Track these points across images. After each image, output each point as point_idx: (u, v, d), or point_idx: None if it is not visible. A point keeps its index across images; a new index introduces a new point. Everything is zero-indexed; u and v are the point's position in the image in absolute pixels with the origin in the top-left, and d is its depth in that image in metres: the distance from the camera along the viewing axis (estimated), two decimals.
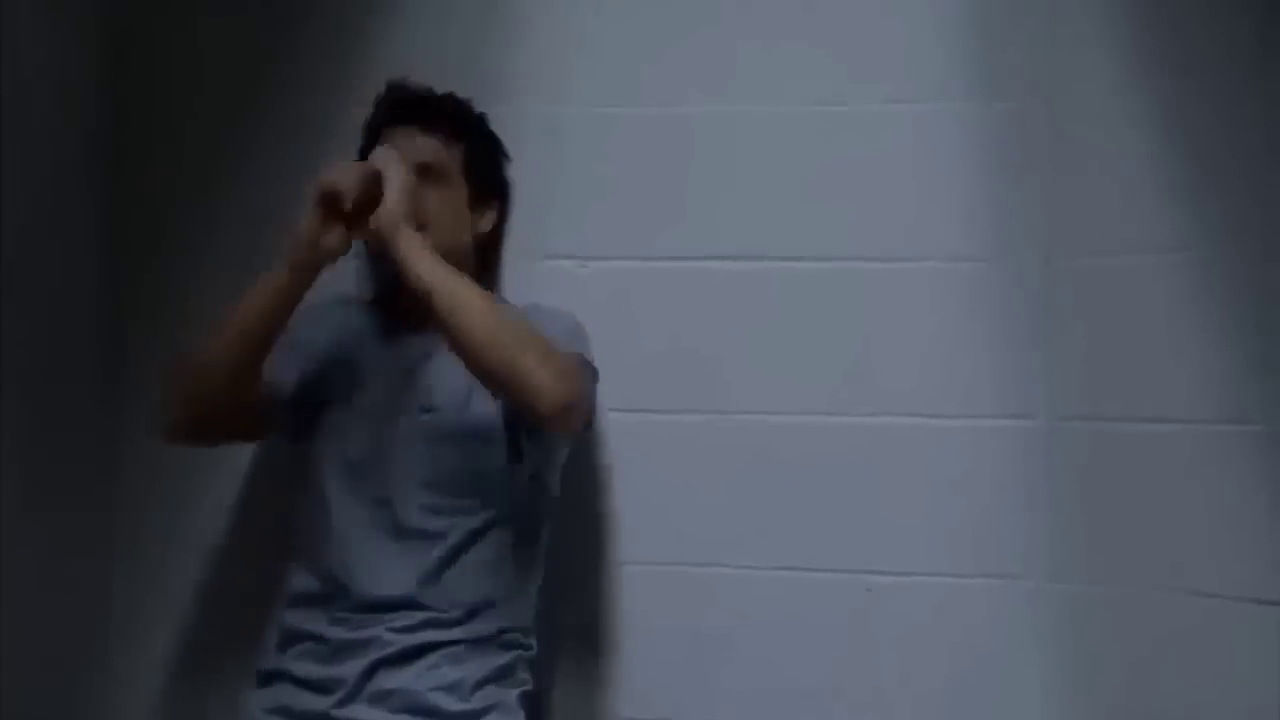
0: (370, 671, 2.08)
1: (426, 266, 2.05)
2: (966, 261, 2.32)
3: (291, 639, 2.16)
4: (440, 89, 2.30)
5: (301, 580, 2.18)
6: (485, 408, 2.15)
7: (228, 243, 2.44)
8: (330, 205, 2.07)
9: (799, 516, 2.33)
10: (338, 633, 2.12)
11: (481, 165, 2.32)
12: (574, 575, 2.35)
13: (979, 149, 2.32)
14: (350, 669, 2.09)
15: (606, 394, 2.29)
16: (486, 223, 2.33)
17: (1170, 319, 2.15)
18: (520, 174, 2.39)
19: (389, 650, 2.09)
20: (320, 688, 2.10)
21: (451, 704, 2.08)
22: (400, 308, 2.24)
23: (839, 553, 2.32)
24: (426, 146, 2.24)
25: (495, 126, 2.34)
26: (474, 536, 2.14)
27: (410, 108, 2.28)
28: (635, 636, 2.31)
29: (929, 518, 2.31)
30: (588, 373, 2.17)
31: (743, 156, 2.38)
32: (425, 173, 2.21)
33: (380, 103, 2.30)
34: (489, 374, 2.03)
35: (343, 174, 2.08)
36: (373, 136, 2.27)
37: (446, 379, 2.17)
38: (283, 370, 2.22)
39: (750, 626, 2.33)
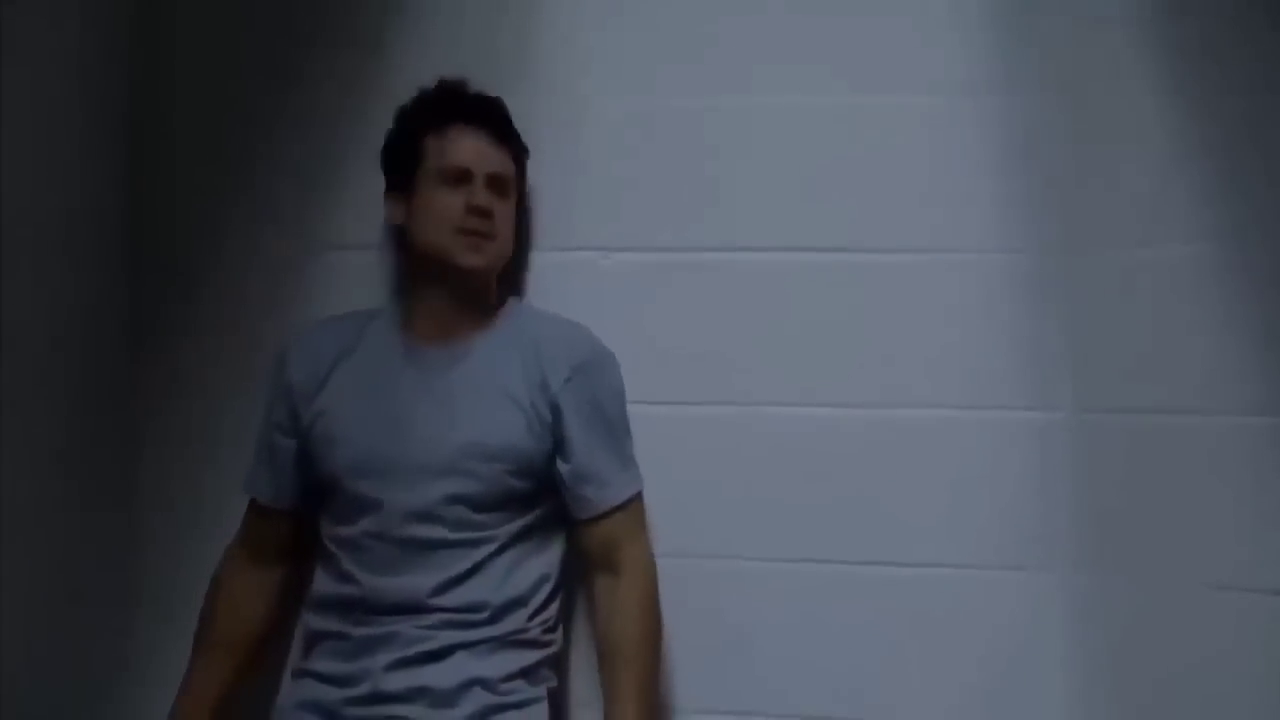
0: (394, 666, 2.09)
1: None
2: (992, 253, 2.32)
3: (316, 639, 2.18)
4: (458, 77, 2.29)
5: (325, 584, 2.19)
6: (512, 428, 2.17)
7: (244, 232, 2.44)
8: None
9: (820, 509, 2.32)
10: (360, 630, 2.13)
11: (522, 181, 2.33)
12: None
13: (1002, 142, 2.32)
14: (374, 663, 2.09)
15: (626, 386, 2.29)
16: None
17: (1196, 311, 2.14)
18: (543, 167, 2.39)
19: (412, 650, 2.10)
20: (344, 681, 2.11)
21: (478, 699, 2.08)
22: (420, 317, 2.25)
23: (860, 545, 2.31)
24: (498, 157, 2.25)
25: (518, 118, 2.33)
26: (501, 548, 2.16)
27: (481, 113, 2.26)
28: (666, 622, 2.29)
29: (952, 510, 2.30)
30: (645, 524, 2.24)
31: (763, 149, 2.38)
32: (496, 184, 2.23)
33: (434, 98, 2.27)
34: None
35: None
36: (432, 129, 2.24)
37: (473, 396, 2.18)
38: (270, 485, 2.27)
39: (770, 619, 2.32)
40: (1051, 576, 2.27)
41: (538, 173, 2.38)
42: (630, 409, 2.30)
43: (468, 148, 2.22)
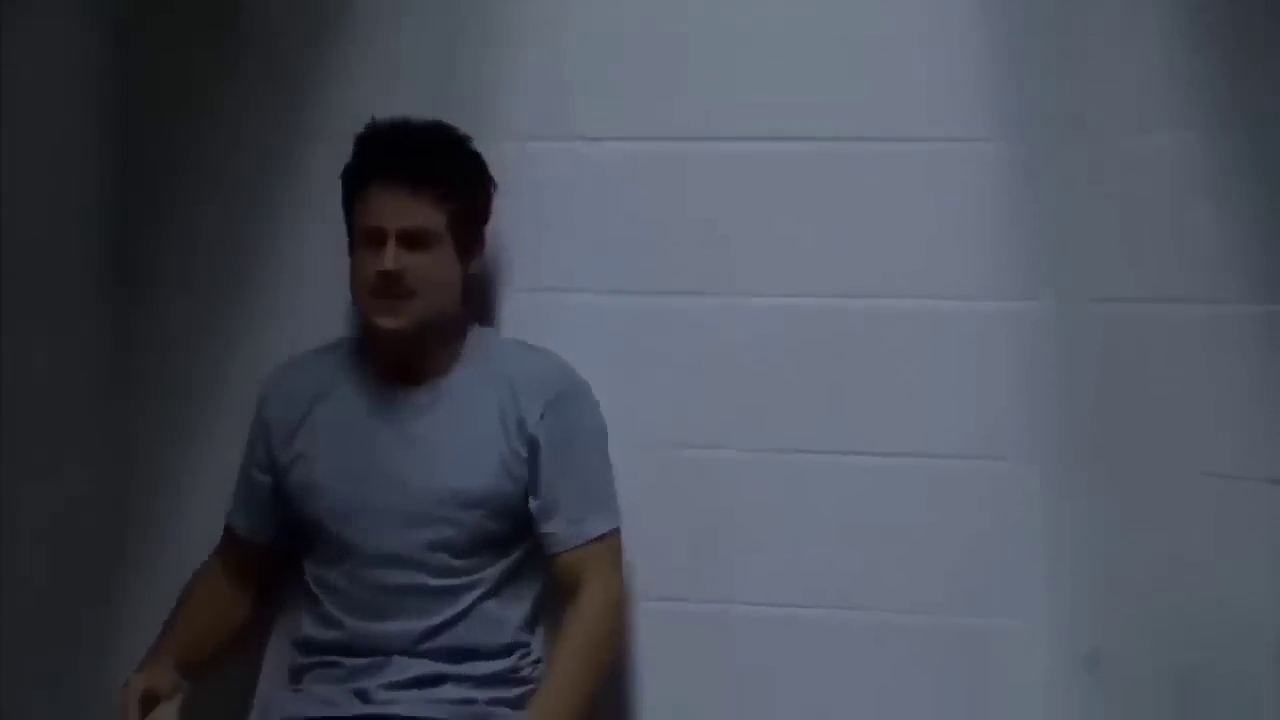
0: (389, 688, 2.15)
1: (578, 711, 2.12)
2: (973, 141, 2.27)
3: (304, 670, 2.22)
4: (390, 120, 2.21)
5: (310, 627, 2.22)
6: (489, 473, 2.18)
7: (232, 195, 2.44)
8: None
9: (800, 399, 2.31)
10: (351, 661, 2.17)
11: (468, 218, 2.23)
12: None
13: (986, 29, 2.26)
14: (368, 684, 2.15)
15: (610, 276, 2.31)
16: (475, 264, 2.27)
17: (1182, 199, 2.10)
18: (531, 55, 2.37)
19: (404, 675, 2.15)
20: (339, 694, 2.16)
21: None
22: (390, 357, 2.24)
23: (841, 435, 2.30)
24: (415, 211, 2.15)
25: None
26: (488, 593, 2.19)
27: (396, 163, 2.17)
28: (641, 516, 2.30)
29: (933, 400, 2.29)
30: (620, 562, 2.24)
31: (751, 32, 2.33)
32: (411, 239, 2.15)
33: (362, 146, 2.21)
34: None
35: None
36: (355, 189, 2.20)
37: (448, 441, 2.19)
38: (247, 518, 2.30)
39: (749, 508, 2.33)
40: (1034, 467, 2.26)
41: (526, 63, 2.36)
42: (611, 298, 2.31)
43: (377, 206, 2.16)
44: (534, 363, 2.24)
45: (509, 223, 2.34)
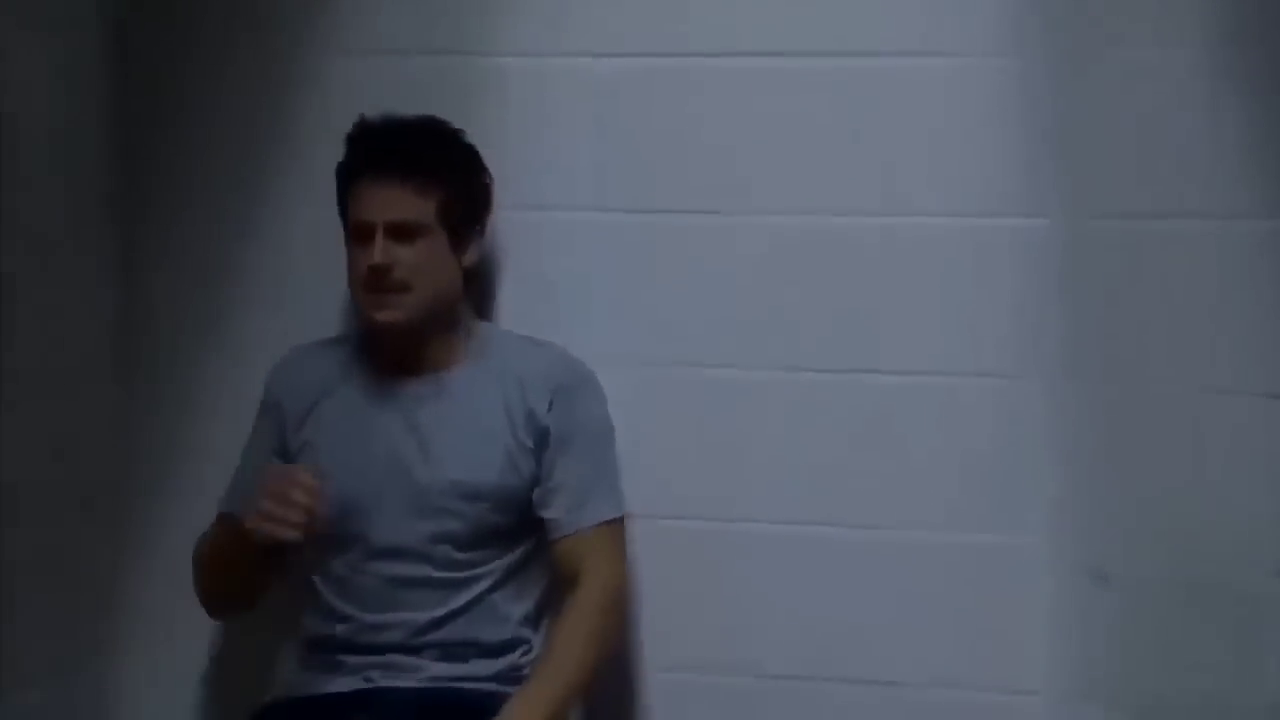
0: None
1: (561, 702, 2.09)
2: (980, 57, 2.25)
3: (307, 667, 2.23)
4: (377, 115, 2.21)
5: (315, 624, 2.23)
6: (493, 466, 2.18)
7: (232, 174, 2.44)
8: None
9: (804, 316, 2.31)
10: (353, 660, 2.18)
11: (460, 207, 2.22)
12: None
13: None
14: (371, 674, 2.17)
15: (614, 195, 2.30)
16: (473, 255, 2.26)
17: (1191, 115, 2.07)
18: None
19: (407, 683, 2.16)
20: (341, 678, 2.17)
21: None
22: (392, 350, 2.23)
23: (844, 353, 2.30)
24: (399, 202, 2.15)
25: None
26: (494, 585, 2.19)
27: (381, 154, 2.18)
28: (646, 433, 2.32)
29: (937, 317, 2.29)
30: (624, 551, 2.23)
31: None
32: (400, 231, 2.15)
33: (350, 144, 2.22)
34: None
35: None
36: (344, 186, 2.22)
37: (453, 434, 2.19)
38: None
39: (758, 424, 2.33)
40: (1039, 384, 2.26)
41: None
42: (615, 217, 2.31)
43: (365, 200, 2.17)
44: (540, 356, 2.25)
45: (513, 140, 2.33)
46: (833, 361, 2.31)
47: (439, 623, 2.17)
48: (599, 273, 2.35)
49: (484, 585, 2.18)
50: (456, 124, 2.25)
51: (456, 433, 2.19)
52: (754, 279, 2.33)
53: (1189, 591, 2.11)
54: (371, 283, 2.15)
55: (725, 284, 2.34)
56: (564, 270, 2.34)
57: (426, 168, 2.18)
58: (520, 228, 2.37)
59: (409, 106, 2.23)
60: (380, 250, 2.14)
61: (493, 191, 2.29)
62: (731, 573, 2.35)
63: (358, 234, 2.17)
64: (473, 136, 2.27)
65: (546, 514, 2.19)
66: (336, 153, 2.23)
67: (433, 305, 2.19)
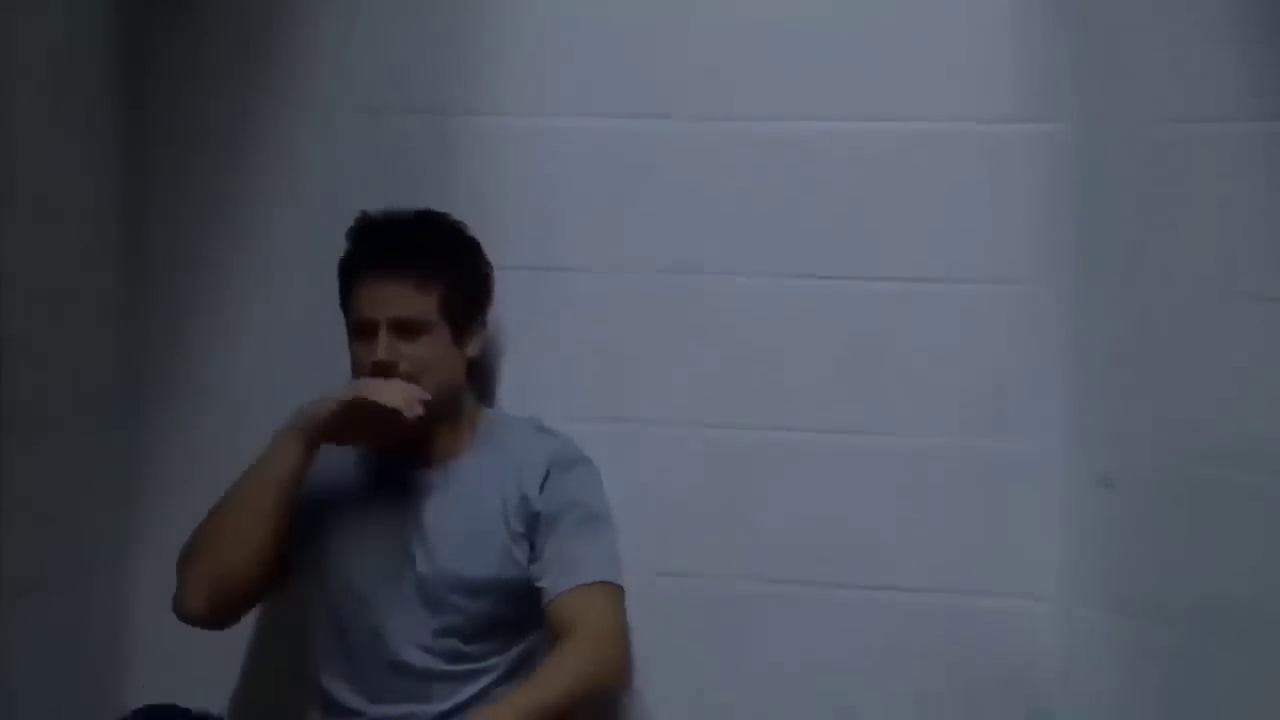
0: None
1: None
2: None
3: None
4: (377, 212, 2.24)
5: (331, 686, 2.21)
6: (495, 560, 2.19)
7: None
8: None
9: (814, 223, 2.31)
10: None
11: (461, 301, 2.24)
12: None
13: None
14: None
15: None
16: (475, 346, 2.28)
17: (1211, 16, 2.06)
18: None
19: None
20: None
21: None
22: (384, 438, 2.21)
23: (855, 259, 2.31)
24: (401, 299, 2.17)
25: None
26: (502, 677, 2.19)
27: (382, 251, 2.20)
28: (645, 344, 2.35)
29: (951, 223, 2.28)
30: (621, 615, 2.20)
31: None
32: (403, 328, 2.17)
33: (351, 240, 2.24)
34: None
35: (392, 393, 2.11)
36: (346, 282, 2.22)
37: (456, 527, 2.21)
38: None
39: (759, 332, 2.34)
40: (1052, 290, 2.26)
41: None
42: (609, 122, 2.31)
43: (368, 297, 2.19)
44: (541, 443, 2.26)
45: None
46: (844, 268, 2.31)
47: (446, 716, 2.17)
48: (589, 180, 2.36)
49: (491, 678, 2.19)
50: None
51: (456, 526, 2.21)
52: (762, 184, 2.32)
53: (1199, 495, 2.11)
54: (376, 378, 2.17)
55: (724, 187, 2.33)
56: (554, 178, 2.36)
57: (428, 264, 2.20)
58: None
59: None
60: (384, 347, 2.16)
61: (493, 281, 2.30)
62: (739, 478, 2.35)
63: (361, 330, 2.19)
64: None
65: (540, 584, 2.19)
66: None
67: (437, 398, 2.19)
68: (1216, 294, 2.10)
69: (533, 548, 2.20)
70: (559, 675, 2.10)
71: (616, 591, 2.20)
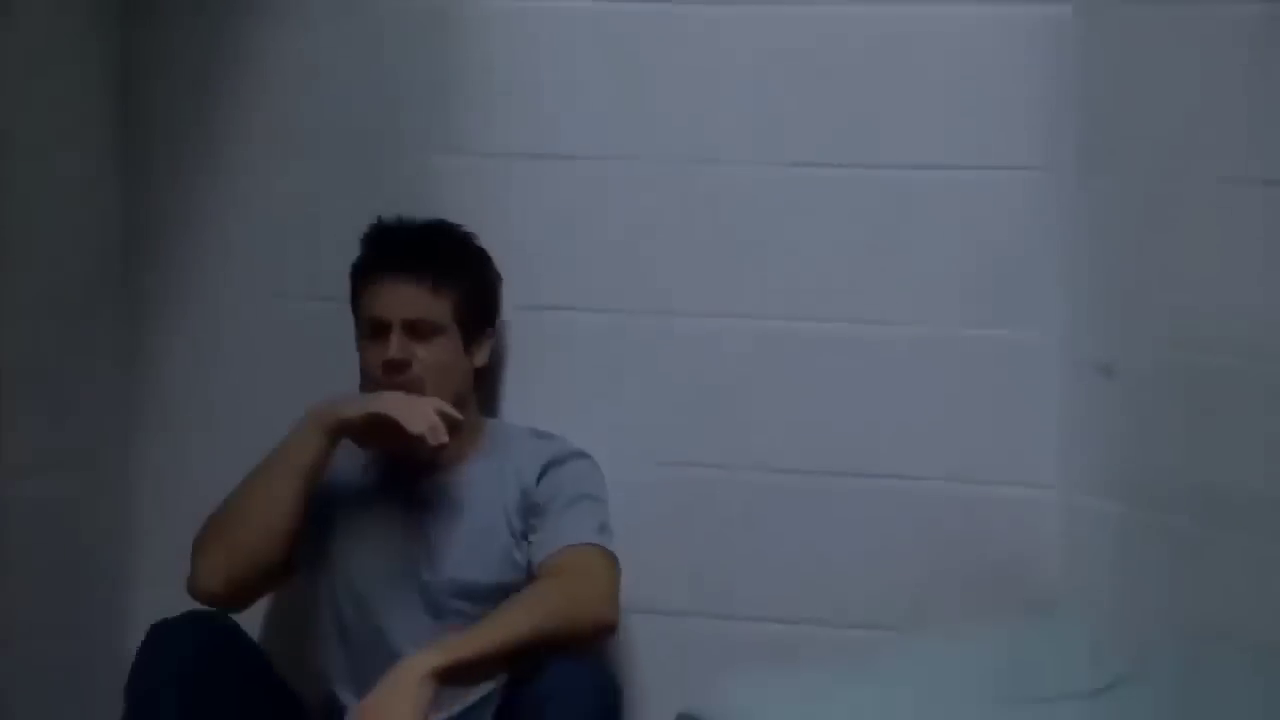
0: None
1: (473, 652, 2.03)
2: None
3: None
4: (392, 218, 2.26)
5: (335, 688, 2.22)
6: (498, 565, 2.20)
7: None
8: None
9: (822, 109, 2.29)
10: None
11: (473, 308, 2.27)
12: None
13: None
14: None
15: None
16: (483, 356, 2.31)
17: None
18: None
19: None
20: None
21: None
22: (406, 448, 2.21)
23: (856, 148, 2.29)
24: (415, 301, 2.20)
25: None
26: (498, 685, 2.17)
27: (397, 256, 2.23)
28: (649, 232, 2.35)
29: (955, 109, 2.27)
30: (609, 570, 2.16)
31: None
32: (416, 330, 2.19)
33: (366, 244, 2.27)
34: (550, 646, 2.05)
35: (419, 419, 2.11)
36: (359, 283, 2.25)
37: (459, 534, 2.22)
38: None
39: (767, 221, 2.32)
40: (1053, 175, 2.24)
41: None
42: (615, 5, 2.30)
43: (382, 298, 2.21)
44: (539, 444, 2.27)
45: None
46: (845, 156, 2.30)
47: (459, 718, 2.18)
48: (591, 68, 2.35)
49: (494, 683, 2.18)
50: None
51: (459, 533, 2.23)
52: (767, 72, 2.31)
53: (1199, 383, 2.10)
54: (387, 379, 2.17)
55: (725, 78, 2.32)
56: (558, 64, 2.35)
57: (443, 269, 2.23)
58: None
59: None
60: (397, 346, 2.18)
61: (501, 293, 2.33)
62: (740, 368, 2.35)
63: (374, 330, 2.21)
64: None
65: (532, 560, 2.19)
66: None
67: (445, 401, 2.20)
68: (1218, 180, 2.07)
69: (530, 543, 2.22)
70: (527, 609, 2.09)
71: (605, 551, 2.18)
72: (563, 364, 2.39)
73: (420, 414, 2.12)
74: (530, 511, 2.22)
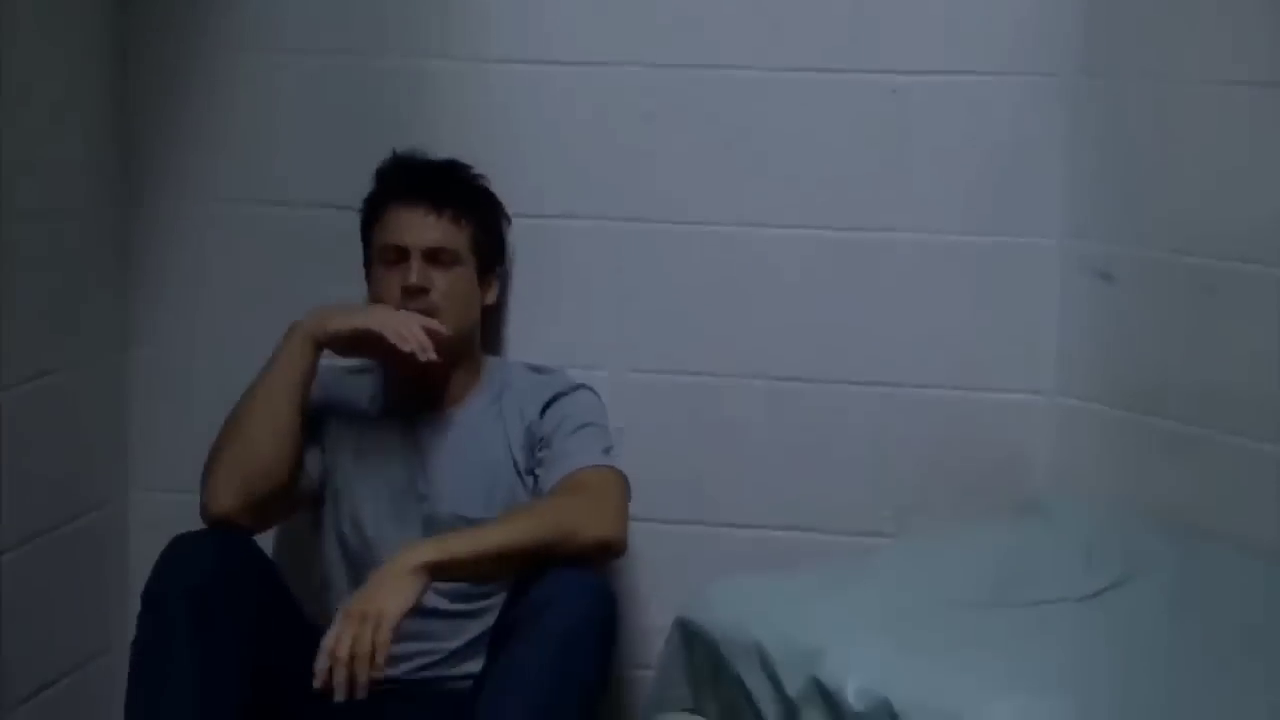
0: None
1: (467, 551, 2.00)
2: None
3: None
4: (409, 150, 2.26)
5: None
6: (502, 500, 2.19)
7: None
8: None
9: (822, 16, 2.28)
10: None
11: (488, 240, 2.29)
12: None
13: None
14: None
15: None
16: (492, 294, 2.32)
17: None
18: None
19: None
20: None
21: None
22: (415, 383, 2.22)
23: (858, 53, 2.28)
24: (436, 229, 2.21)
25: None
26: (483, 617, 2.18)
27: (417, 186, 2.23)
28: (658, 138, 2.33)
29: (955, 14, 2.25)
30: (618, 487, 2.14)
31: None
32: (435, 257, 2.20)
33: (383, 176, 2.27)
34: (550, 559, 2.01)
35: (406, 335, 2.11)
36: (376, 212, 2.25)
37: (463, 470, 2.22)
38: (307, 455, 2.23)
39: (770, 123, 2.31)
40: (1054, 80, 2.24)
41: None
42: None
43: (401, 224, 2.21)
44: (542, 382, 2.27)
45: None
46: (844, 61, 2.28)
47: (453, 654, 2.20)
48: None
49: (496, 616, 2.17)
50: None
51: (461, 469, 2.23)
52: None
53: (1200, 287, 2.10)
54: (404, 306, 2.18)
55: None
56: None
57: (460, 200, 2.25)
58: None
59: None
60: (417, 272, 2.18)
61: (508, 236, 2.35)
62: (735, 275, 2.35)
63: (390, 257, 2.21)
64: None
65: (538, 487, 2.19)
66: None
67: (457, 335, 2.21)
68: (1220, 83, 2.07)
69: (536, 477, 2.21)
70: (530, 518, 2.08)
71: (614, 470, 2.17)
72: (562, 272, 2.39)
73: (409, 330, 2.13)
74: (535, 445, 2.22)
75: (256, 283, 2.41)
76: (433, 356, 2.13)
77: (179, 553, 2.04)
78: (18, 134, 2.11)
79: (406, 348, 2.11)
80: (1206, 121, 2.10)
